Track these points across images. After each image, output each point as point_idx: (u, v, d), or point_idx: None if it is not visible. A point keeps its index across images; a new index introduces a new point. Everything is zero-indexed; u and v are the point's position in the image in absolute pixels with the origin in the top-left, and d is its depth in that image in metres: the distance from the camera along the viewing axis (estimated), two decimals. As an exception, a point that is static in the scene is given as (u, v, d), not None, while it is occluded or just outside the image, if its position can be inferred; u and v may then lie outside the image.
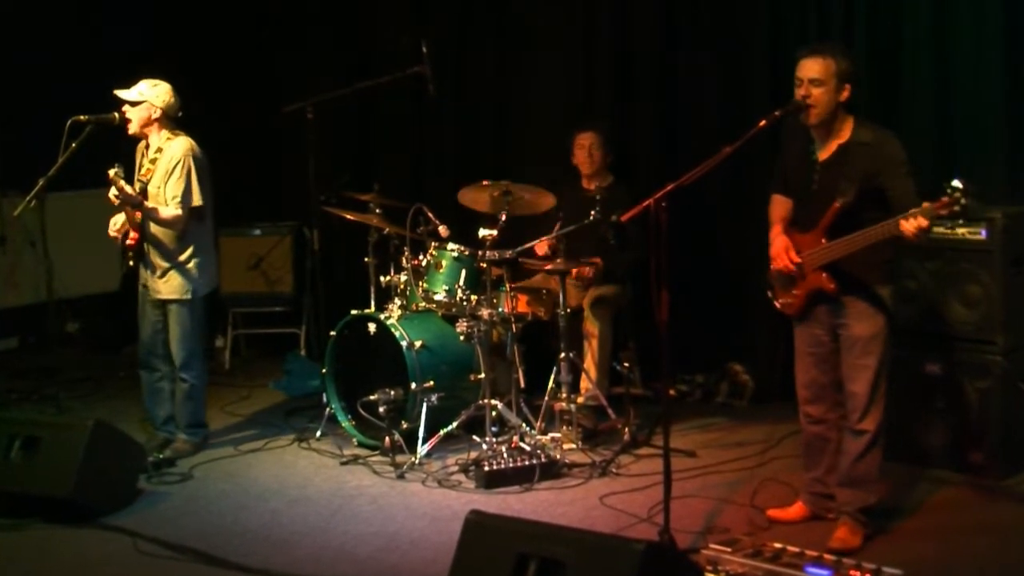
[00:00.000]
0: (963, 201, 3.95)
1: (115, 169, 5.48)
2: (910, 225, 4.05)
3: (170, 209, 5.63)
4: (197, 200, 5.68)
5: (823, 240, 4.33)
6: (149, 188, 5.66)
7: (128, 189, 5.52)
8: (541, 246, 6.21)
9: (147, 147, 5.77)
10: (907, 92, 5.87)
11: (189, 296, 5.77)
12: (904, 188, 4.23)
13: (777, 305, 4.62)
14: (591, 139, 6.40)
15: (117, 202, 5.59)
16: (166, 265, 5.74)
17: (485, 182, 5.82)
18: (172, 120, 5.75)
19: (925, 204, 4.04)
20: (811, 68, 4.29)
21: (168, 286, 5.75)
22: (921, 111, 5.80)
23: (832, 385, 4.54)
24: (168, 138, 5.72)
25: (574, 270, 6.06)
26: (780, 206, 4.62)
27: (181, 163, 5.64)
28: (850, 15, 6.02)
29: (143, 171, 5.71)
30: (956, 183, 3.95)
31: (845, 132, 4.35)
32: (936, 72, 5.75)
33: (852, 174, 4.27)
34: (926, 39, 5.77)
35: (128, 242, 5.73)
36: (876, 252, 4.30)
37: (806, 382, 4.60)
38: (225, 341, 8.05)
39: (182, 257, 5.74)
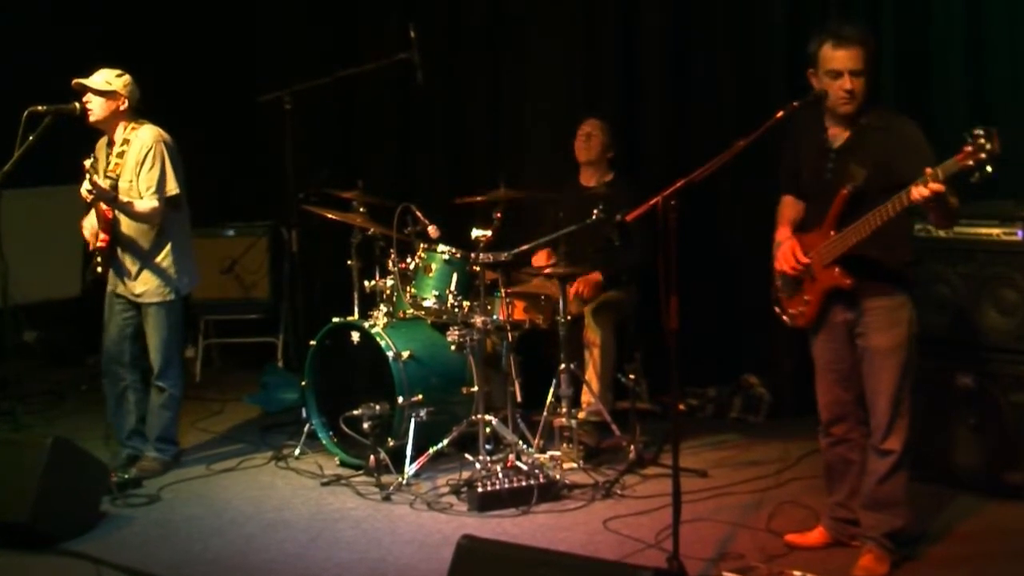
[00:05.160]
0: (988, 147, 3.80)
1: (90, 160, 5.48)
2: (923, 190, 3.93)
3: (146, 201, 5.62)
4: (173, 188, 5.69)
5: (832, 233, 4.30)
6: (120, 183, 5.65)
7: (102, 183, 5.51)
8: (539, 259, 6.22)
9: (110, 142, 5.77)
10: (938, 84, 5.88)
11: (171, 297, 5.78)
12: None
13: (786, 320, 4.58)
14: (593, 125, 6.46)
15: (90, 197, 5.57)
16: (143, 266, 5.74)
17: (480, 198, 5.82)
18: (134, 110, 5.76)
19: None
20: (851, 59, 4.26)
21: (146, 288, 5.76)
22: (954, 102, 5.81)
23: (856, 401, 4.52)
24: (133, 128, 5.73)
25: (571, 289, 6.05)
26: (789, 208, 4.62)
27: (152, 151, 5.64)
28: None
29: (111, 166, 5.70)
30: (978, 130, 3.81)
31: (861, 118, 4.36)
32: (969, 62, 5.76)
33: (864, 159, 4.26)
34: (958, 24, 5.78)
35: (99, 244, 5.71)
36: (894, 254, 4.29)
37: (828, 402, 4.58)
38: (196, 351, 8.05)
39: (159, 256, 5.75)
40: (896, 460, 4.38)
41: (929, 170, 3.94)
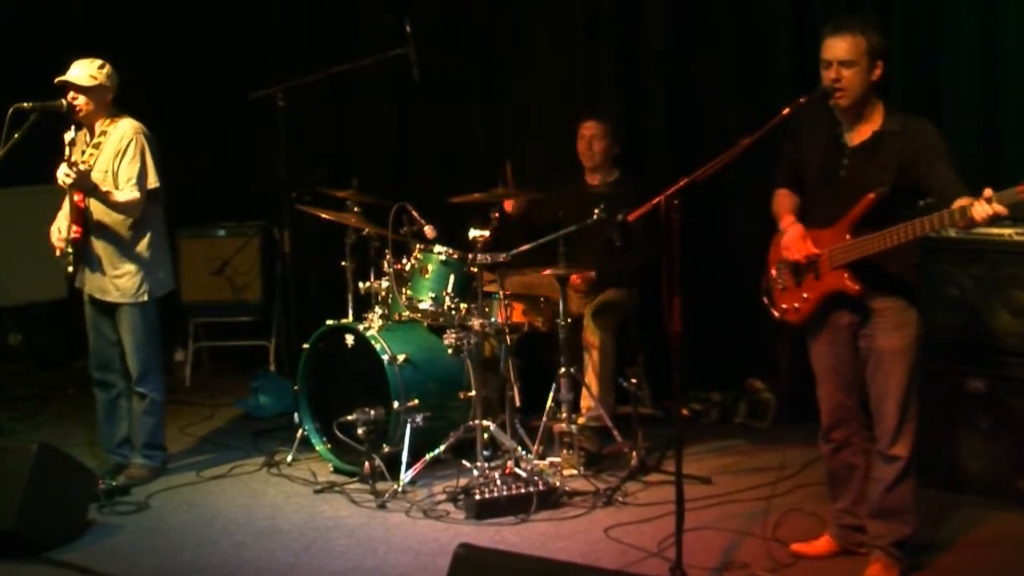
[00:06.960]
0: None
1: (71, 134, 5.41)
2: (984, 210, 3.89)
3: (126, 192, 5.59)
4: (153, 181, 5.65)
5: (847, 236, 4.30)
6: (95, 174, 5.59)
7: (83, 166, 5.47)
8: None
9: (87, 133, 5.73)
10: (947, 80, 5.88)
11: (145, 298, 5.74)
12: (948, 175, 4.13)
13: (775, 313, 4.58)
14: (592, 129, 6.41)
15: (69, 181, 5.45)
16: (116, 262, 5.69)
17: (477, 195, 5.81)
18: (115, 100, 5.73)
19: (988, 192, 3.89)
20: (840, 48, 4.26)
21: (119, 287, 5.71)
22: (963, 99, 5.82)
23: (859, 406, 4.52)
24: (111, 121, 5.70)
25: (573, 277, 6.05)
26: (788, 199, 4.61)
27: (133, 142, 5.62)
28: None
29: (85, 156, 5.64)
30: None
31: (877, 118, 4.33)
32: (979, 58, 5.76)
33: (888, 163, 4.25)
34: (968, 19, 5.78)
35: (72, 235, 5.63)
36: (902, 254, 4.28)
37: (831, 407, 4.57)
38: (186, 355, 8.04)
39: (136, 251, 5.71)
40: (904, 466, 4.37)
41: (989, 191, 3.90)
